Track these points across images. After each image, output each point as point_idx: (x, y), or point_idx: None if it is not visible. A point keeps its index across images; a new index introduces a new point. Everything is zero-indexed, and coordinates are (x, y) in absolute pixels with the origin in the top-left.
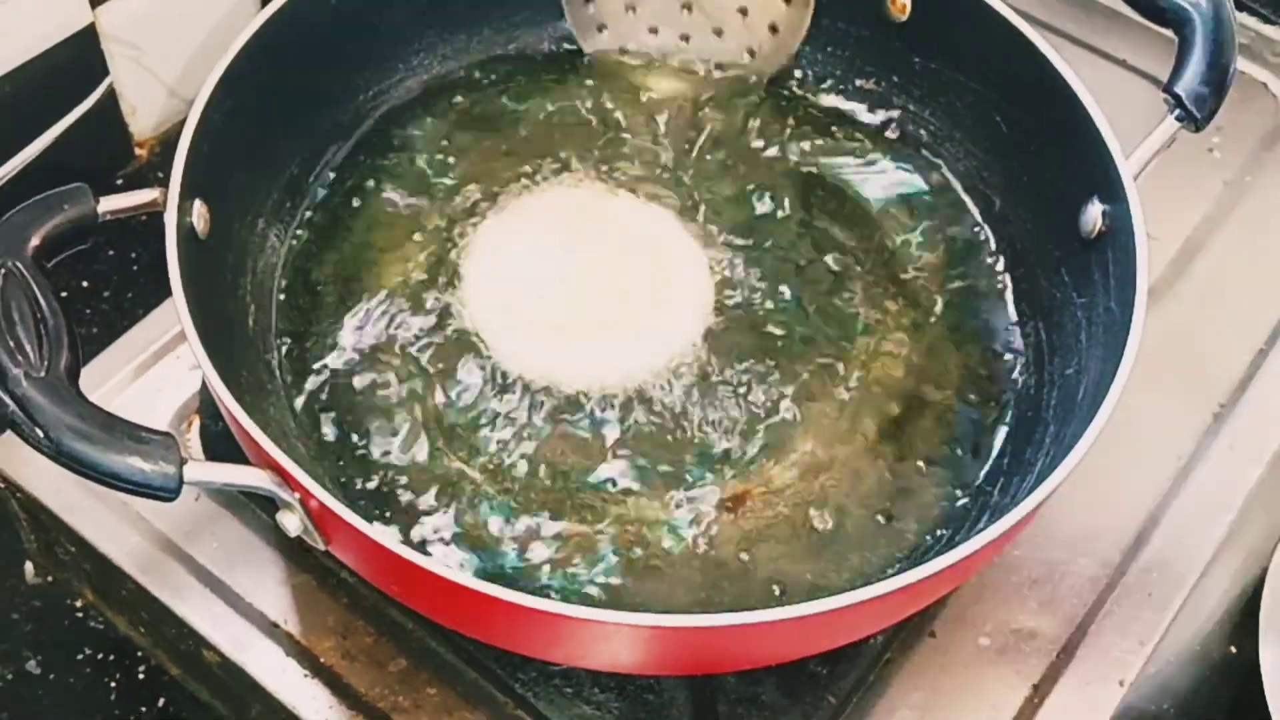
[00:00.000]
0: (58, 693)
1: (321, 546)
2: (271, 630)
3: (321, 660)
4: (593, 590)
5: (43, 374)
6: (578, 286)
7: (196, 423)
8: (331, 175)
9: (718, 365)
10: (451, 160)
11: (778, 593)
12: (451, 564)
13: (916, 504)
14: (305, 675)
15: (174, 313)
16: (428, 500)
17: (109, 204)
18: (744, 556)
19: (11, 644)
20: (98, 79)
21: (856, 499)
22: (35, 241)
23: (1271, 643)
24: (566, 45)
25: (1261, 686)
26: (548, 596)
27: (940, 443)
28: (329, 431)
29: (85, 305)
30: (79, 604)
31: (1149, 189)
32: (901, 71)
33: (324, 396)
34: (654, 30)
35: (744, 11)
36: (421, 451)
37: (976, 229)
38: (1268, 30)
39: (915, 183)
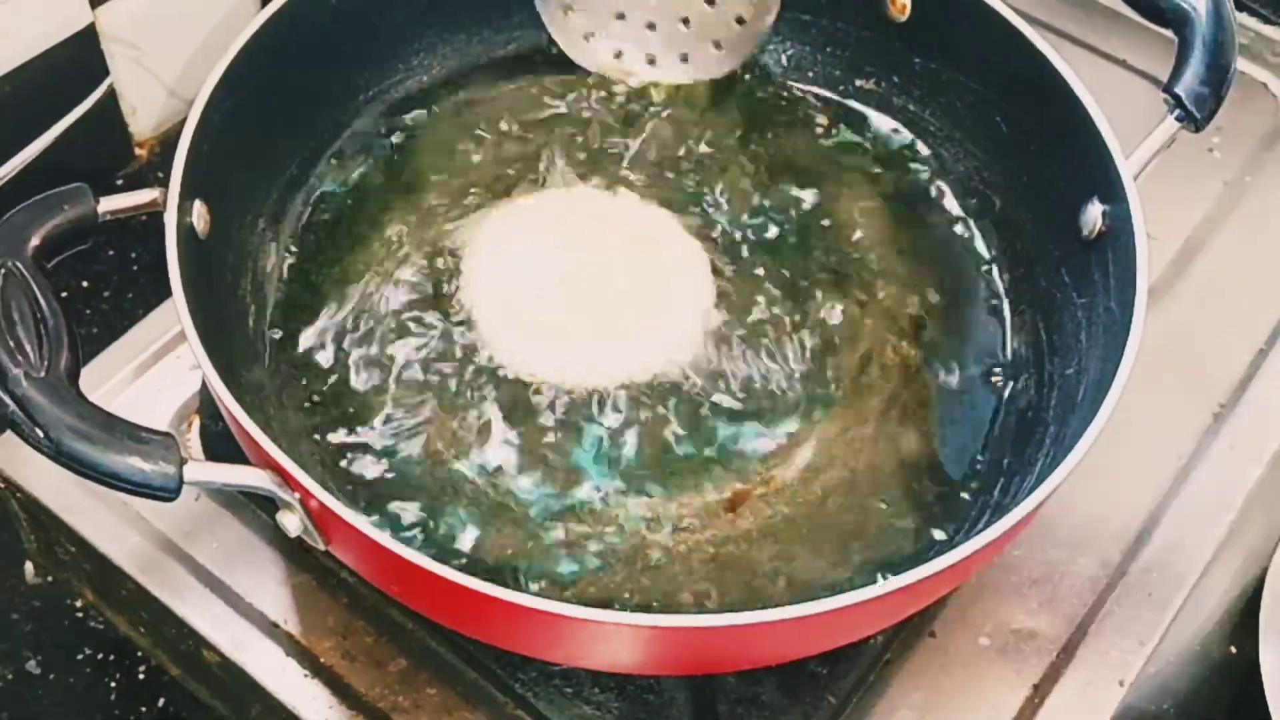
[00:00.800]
0: (58, 693)
1: (321, 546)
2: (271, 630)
3: (321, 660)
4: (592, 590)
5: (43, 374)
6: (578, 286)
7: (196, 423)
8: (331, 175)
9: (717, 365)
10: (451, 160)
11: (778, 592)
12: (450, 563)
13: (916, 504)
14: (305, 675)
15: (174, 313)
16: (427, 500)
17: (109, 204)
18: (744, 557)
19: (11, 644)
20: (98, 79)
21: (856, 499)
22: (35, 241)
23: (1271, 643)
24: None
25: (1261, 686)
26: (548, 596)
27: (940, 442)
28: (328, 431)
29: (85, 305)
30: (79, 604)
31: (1149, 189)
32: (901, 71)
33: (324, 397)
34: (620, 15)
35: (711, 1)
36: (421, 451)
37: (976, 229)
38: (1268, 30)
39: (915, 182)
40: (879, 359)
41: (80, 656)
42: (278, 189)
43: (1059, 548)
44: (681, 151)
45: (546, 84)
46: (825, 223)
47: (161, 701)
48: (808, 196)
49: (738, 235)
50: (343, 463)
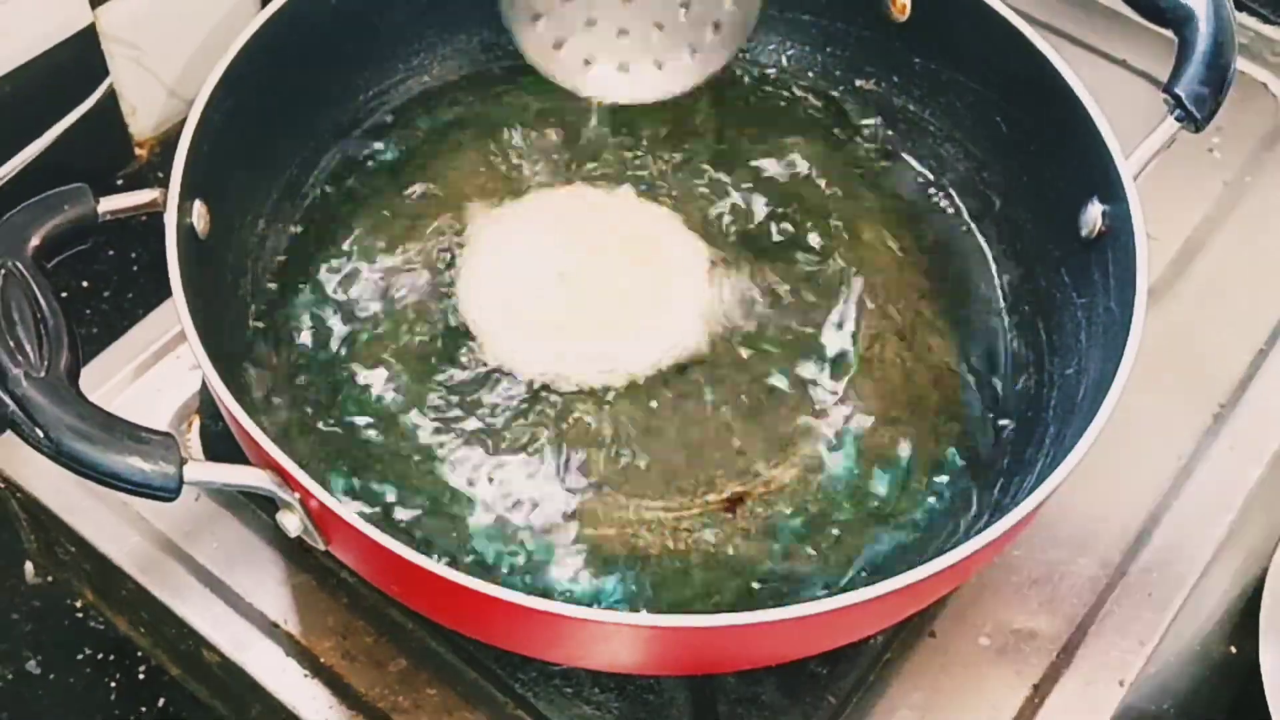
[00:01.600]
0: (58, 693)
1: (321, 546)
2: (271, 630)
3: (321, 660)
4: (592, 590)
5: (43, 374)
6: (577, 286)
7: (196, 423)
8: (331, 175)
9: (717, 365)
10: (451, 160)
11: (778, 592)
12: (450, 564)
13: (916, 504)
14: (305, 675)
15: (174, 313)
16: (427, 500)
17: (109, 204)
18: (744, 556)
19: (11, 644)
20: (98, 79)
21: (856, 499)
22: (35, 241)
23: (1271, 643)
24: None
25: (1261, 686)
26: (548, 597)
27: (939, 443)
28: (328, 431)
29: (85, 305)
30: (79, 604)
31: (1149, 189)
32: (901, 71)
33: (325, 397)
34: (591, 22)
35: (686, 6)
36: (421, 451)
37: (976, 229)
38: (1268, 30)
39: (915, 183)
40: (879, 359)
41: (80, 656)
42: (278, 189)
43: (1059, 548)
44: (681, 151)
45: (546, 83)
46: (824, 222)
47: (161, 701)
48: (807, 196)
49: (737, 234)
50: (341, 462)
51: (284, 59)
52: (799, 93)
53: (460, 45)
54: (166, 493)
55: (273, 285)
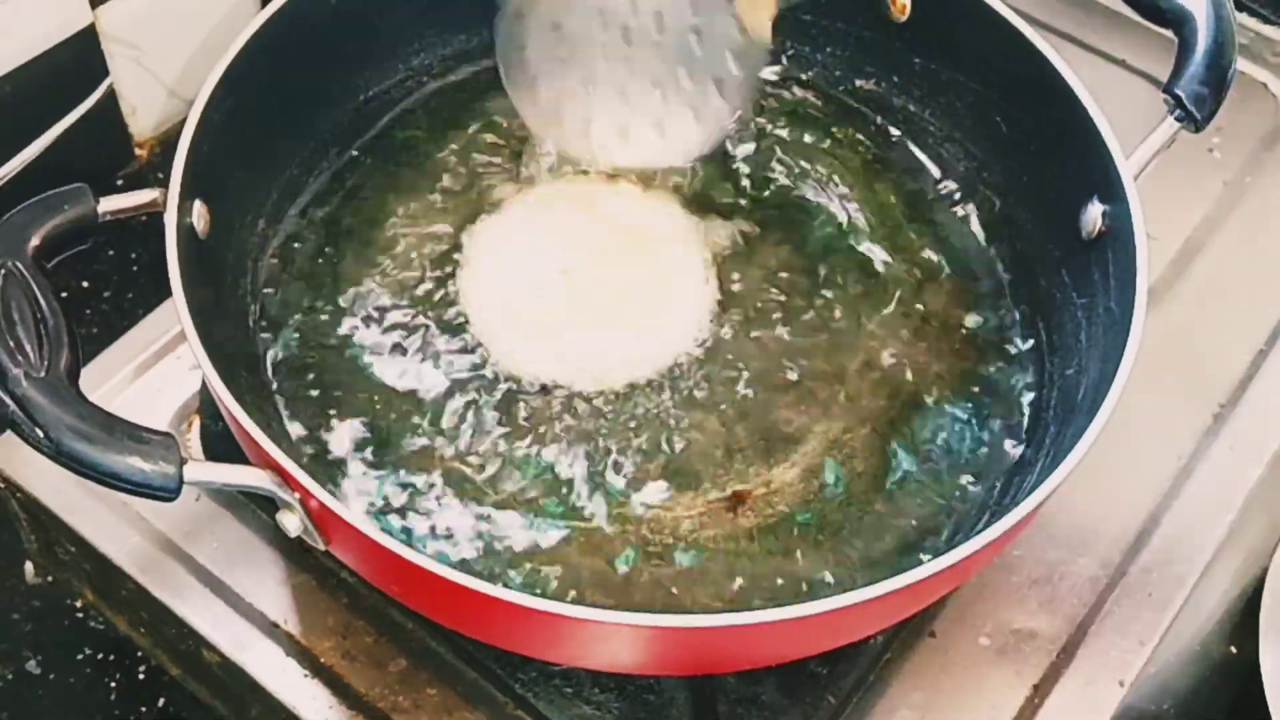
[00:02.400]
0: (58, 693)
1: (321, 546)
2: (271, 630)
3: (321, 660)
4: (591, 590)
5: (43, 374)
6: (578, 285)
7: (196, 423)
8: (331, 175)
9: (718, 364)
10: (451, 160)
11: (778, 592)
12: (450, 563)
13: (916, 504)
14: (305, 675)
15: (174, 313)
16: (426, 500)
17: (109, 204)
18: (744, 556)
19: (11, 644)
20: (98, 79)
21: (857, 499)
22: (35, 241)
23: (1271, 643)
24: None
25: (1261, 686)
26: (547, 596)
27: (940, 443)
28: (328, 431)
29: (85, 305)
30: (79, 604)
31: (1149, 189)
32: (901, 71)
33: (325, 397)
34: (589, 84)
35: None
36: (421, 451)
37: (976, 229)
38: (1268, 30)
39: (916, 183)
40: (879, 359)
41: (80, 656)
42: (278, 189)
43: (1059, 548)
44: None
45: None
46: (824, 222)
47: (161, 701)
48: (807, 196)
49: (737, 234)
50: (340, 461)
51: (284, 59)
52: (799, 92)
53: (460, 45)
54: (166, 493)
55: (272, 285)
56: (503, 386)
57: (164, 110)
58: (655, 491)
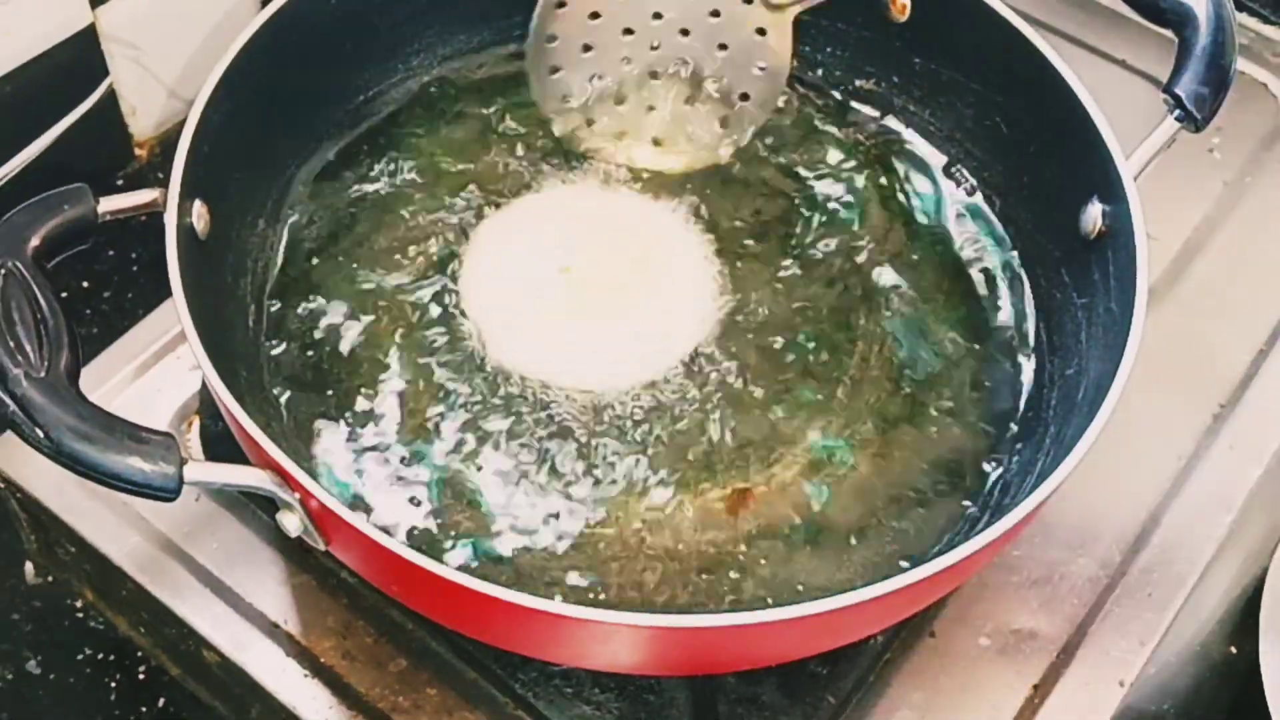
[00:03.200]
0: (58, 693)
1: (321, 546)
2: (271, 630)
3: (321, 660)
4: (591, 590)
5: (43, 374)
6: (578, 285)
7: (196, 423)
8: (332, 175)
9: (718, 365)
10: (451, 160)
11: (778, 592)
12: (451, 564)
13: (916, 503)
14: (305, 675)
15: (174, 313)
16: (426, 499)
17: (109, 204)
18: (744, 556)
19: (11, 644)
20: (98, 79)
21: (857, 499)
22: (35, 241)
23: (1271, 643)
24: None
25: (1261, 686)
26: (547, 596)
27: (940, 443)
28: (328, 431)
29: (85, 305)
30: (79, 604)
31: (1149, 189)
32: (901, 71)
33: (325, 397)
34: (620, 99)
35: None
36: (420, 451)
37: (976, 229)
38: (1268, 30)
39: (916, 183)
40: (879, 359)
41: (80, 656)
42: (277, 189)
43: (1059, 548)
44: None
45: None
46: (824, 222)
47: (161, 701)
48: (807, 196)
49: (737, 234)
50: (340, 461)
51: (284, 59)
52: (799, 92)
53: (460, 45)
54: (166, 493)
55: (272, 286)
56: (503, 387)
57: (164, 110)
58: (655, 491)
